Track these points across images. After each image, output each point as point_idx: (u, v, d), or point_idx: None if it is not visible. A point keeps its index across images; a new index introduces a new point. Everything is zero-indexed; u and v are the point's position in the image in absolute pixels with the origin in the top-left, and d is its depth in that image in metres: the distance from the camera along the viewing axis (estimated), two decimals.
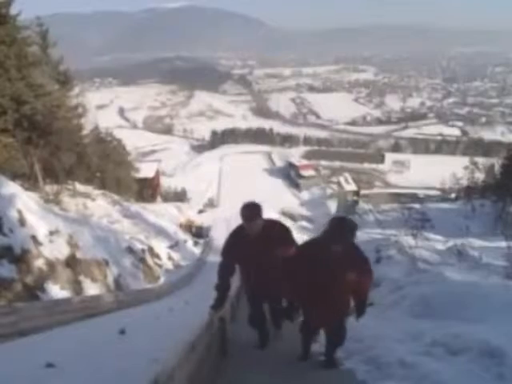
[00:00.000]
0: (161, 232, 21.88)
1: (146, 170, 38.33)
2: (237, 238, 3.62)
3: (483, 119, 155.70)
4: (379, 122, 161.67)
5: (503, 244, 9.54)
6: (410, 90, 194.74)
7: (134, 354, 3.56)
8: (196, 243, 26.02)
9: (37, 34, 19.40)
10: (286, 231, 3.69)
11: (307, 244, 3.46)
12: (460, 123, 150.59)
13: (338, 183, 67.04)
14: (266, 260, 3.48)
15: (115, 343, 4.29)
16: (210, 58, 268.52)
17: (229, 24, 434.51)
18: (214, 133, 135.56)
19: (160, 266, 16.55)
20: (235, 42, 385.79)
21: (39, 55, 18.41)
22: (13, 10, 15.05)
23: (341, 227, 3.02)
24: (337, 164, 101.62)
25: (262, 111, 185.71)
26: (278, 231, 3.62)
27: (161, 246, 18.59)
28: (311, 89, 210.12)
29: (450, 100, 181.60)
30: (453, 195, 35.87)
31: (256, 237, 3.47)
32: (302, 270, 3.17)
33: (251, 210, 3.47)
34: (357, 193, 56.48)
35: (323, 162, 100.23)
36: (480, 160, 32.41)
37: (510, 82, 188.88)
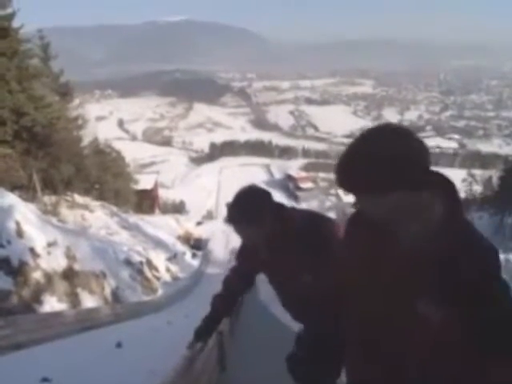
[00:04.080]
0: (159, 244, 21.80)
1: (144, 182, 38.29)
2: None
3: (480, 132, 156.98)
4: None
5: (501, 256, 9.54)
6: (408, 103, 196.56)
7: (131, 368, 3.52)
8: (194, 255, 25.90)
9: (38, 47, 19.62)
10: (319, 246, 1.74)
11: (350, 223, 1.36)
12: (457, 136, 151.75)
13: (337, 195, 67.16)
14: (289, 286, 1.98)
15: (112, 357, 4.25)
16: (209, 71, 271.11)
17: (228, 38, 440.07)
18: (213, 145, 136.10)
19: (158, 278, 16.43)
20: (234, 55, 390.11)
21: (40, 67, 18.57)
22: (15, 23, 15.26)
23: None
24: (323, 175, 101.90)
25: (261, 123, 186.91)
26: (298, 247, 1.79)
27: (159, 258, 18.49)
28: (310, 101, 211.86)
29: (448, 113, 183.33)
30: None
31: (268, 249, 1.92)
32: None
33: (240, 207, 1.81)
34: (355, 205, 56.44)
35: (322, 174, 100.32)
36: (478, 172, 32.59)
37: (506, 95, 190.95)
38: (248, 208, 1.77)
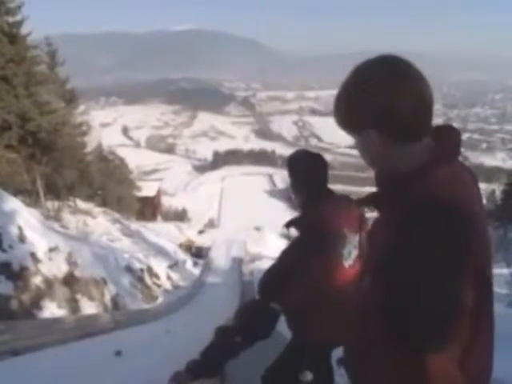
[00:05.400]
0: (160, 251, 21.75)
1: (147, 189, 38.39)
2: None
3: (484, 145, 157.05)
4: None
5: (505, 271, 9.45)
6: None
7: (130, 377, 3.50)
8: (195, 264, 25.81)
9: (45, 54, 19.87)
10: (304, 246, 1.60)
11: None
12: (461, 149, 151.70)
13: None
14: None
15: (111, 365, 4.22)
16: (214, 80, 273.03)
17: (233, 47, 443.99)
18: (216, 153, 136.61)
19: (159, 285, 16.37)
20: (239, 64, 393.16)
21: (47, 74, 18.78)
22: (23, 30, 15.48)
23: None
24: (338, 187, 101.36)
25: (265, 133, 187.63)
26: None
27: (160, 266, 18.45)
28: (313, 112, 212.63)
29: None
30: None
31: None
32: None
33: (292, 159, 1.90)
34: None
35: None
36: (481, 186, 32.38)
37: (509, 109, 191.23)
38: (293, 163, 1.82)
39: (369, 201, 0.93)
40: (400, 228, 0.76)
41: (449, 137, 0.90)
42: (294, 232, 1.81)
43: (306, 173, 1.76)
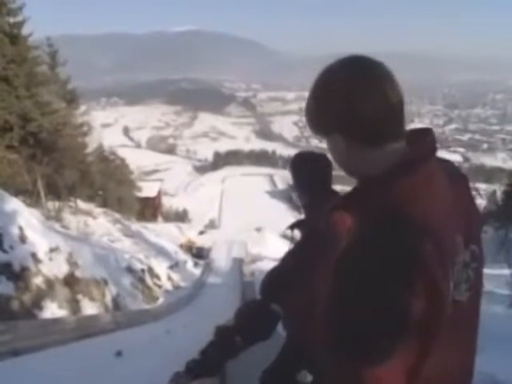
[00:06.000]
0: (161, 252, 21.75)
1: (148, 190, 38.41)
2: None
3: (485, 146, 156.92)
4: None
5: (506, 271, 9.43)
6: (412, 116, 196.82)
7: (130, 377, 3.50)
8: (196, 264, 25.81)
9: (46, 54, 19.89)
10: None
11: None
12: (462, 149, 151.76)
13: None
14: None
15: (112, 365, 4.22)
16: (215, 81, 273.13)
17: (234, 48, 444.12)
18: (217, 154, 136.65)
19: (159, 286, 16.37)
20: (240, 65, 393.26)
21: (48, 74, 18.80)
22: (25, 31, 15.51)
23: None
24: (339, 188, 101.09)
25: (265, 134, 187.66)
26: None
27: (161, 266, 18.44)
28: None
29: (452, 126, 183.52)
30: None
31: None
32: None
33: (295, 158, 1.84)
34: None
35: None
36: (482, 186, 32.48)
37: (510, 110, 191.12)
38: (295, 165, 1.75)
39: (343, 203, 0.91)
40: (359, 233, 0.76)
41: (423, 139, 0.84)
42: (296, 234, 1.79)
43: (308, 174, 1.72)
